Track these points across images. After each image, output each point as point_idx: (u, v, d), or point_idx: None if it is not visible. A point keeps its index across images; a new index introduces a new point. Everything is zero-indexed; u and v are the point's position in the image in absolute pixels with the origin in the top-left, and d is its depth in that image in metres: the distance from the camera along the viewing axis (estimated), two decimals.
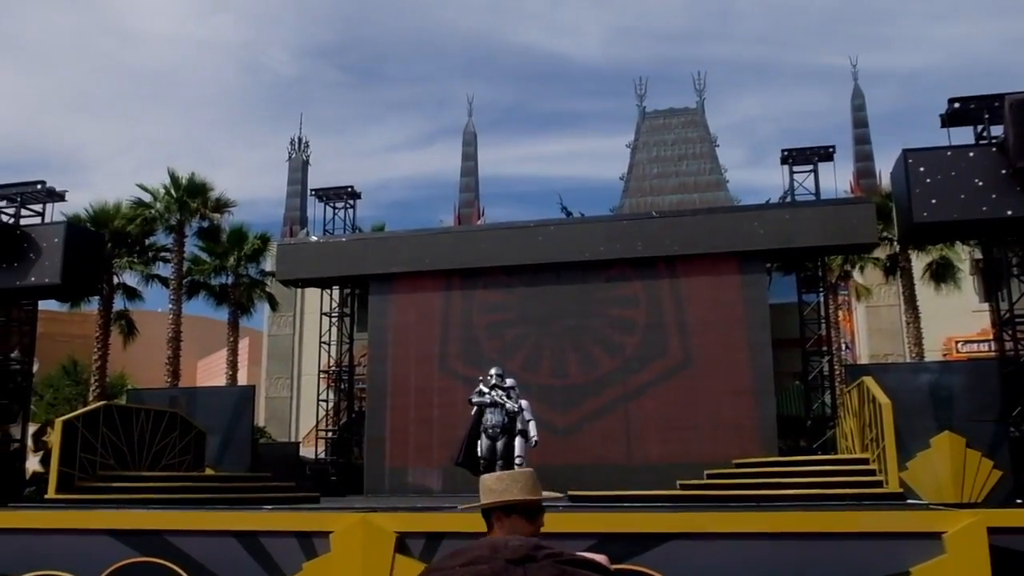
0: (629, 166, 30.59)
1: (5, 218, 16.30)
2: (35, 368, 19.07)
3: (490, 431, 14.20)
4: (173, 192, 27.60)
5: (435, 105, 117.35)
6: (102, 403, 16.17)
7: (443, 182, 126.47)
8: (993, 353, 19.60)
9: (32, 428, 21.81)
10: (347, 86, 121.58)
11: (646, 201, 28.49)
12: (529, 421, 14.37)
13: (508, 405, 14.28)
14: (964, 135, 15.65)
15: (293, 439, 32.65)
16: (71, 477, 13.09)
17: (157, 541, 9.46)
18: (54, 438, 13.67)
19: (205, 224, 28.50)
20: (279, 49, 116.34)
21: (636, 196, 29.28)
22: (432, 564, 0.94)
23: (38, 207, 17.21)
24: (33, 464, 21.53)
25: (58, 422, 13.69)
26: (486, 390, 14.60)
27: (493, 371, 14.99)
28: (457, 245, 22.16)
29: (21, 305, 17.25)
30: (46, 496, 12.97)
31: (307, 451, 26.00)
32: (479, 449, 14.24)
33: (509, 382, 14.90)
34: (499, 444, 14.11)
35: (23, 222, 16.76)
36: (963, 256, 25.23)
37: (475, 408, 14.69)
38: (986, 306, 20.40)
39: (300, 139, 32.79)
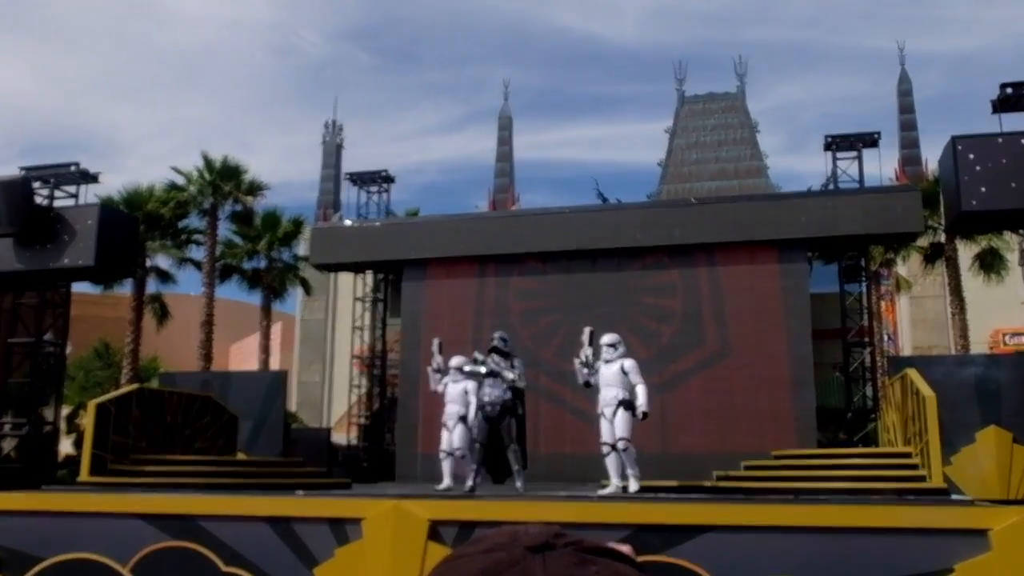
0: (667, 151, 30.29)
1: (39, 199, 16.27)
2: (68, 351, 19.11)
3: (488, 407, 11.43)
4: (206, 175, 27.59)
5: (470, 89, 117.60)
6: (135, 386, 16.16)
7: (478, 166, 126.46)
8: None
9: (65, 411, 21.95)
10: (381, 69, 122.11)
11: (684, 187, 28.16)
12: (637, 385, 11.43)
13: (508, 375, 11.57)
14: (1016, 121, 15.20)
15: (325, 425, 32.67)
16: (103, 460, 13.04)
17: (189, 525, 9.41)
18: (87, 421, 13.65)
19: (238, 207, 28.45)
20: (311, 31, 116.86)
21: (674, 182, 28.96)
22: (454, 551, 0.91)
23: (72, 189, 17.23)
24: (66, 447, 21.68)
25: (91, 405, 13.66)
26: (481, 357, 11.80)
27: (497, 335, 12.11)
28: (491, 231, 22.00)
29: (55, 287, 17.25)
30: (79, 479, 12.97)
31: (339, 437, 26.00)
32: (471, 432, 11.80)
33: (517, 363, 12.04)
34: (503, 426, 11.41)
35: (56, 204, 16.76)
36: (1012, 246, 24.65)
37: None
38: None
39: (334, 123, 33.01)
